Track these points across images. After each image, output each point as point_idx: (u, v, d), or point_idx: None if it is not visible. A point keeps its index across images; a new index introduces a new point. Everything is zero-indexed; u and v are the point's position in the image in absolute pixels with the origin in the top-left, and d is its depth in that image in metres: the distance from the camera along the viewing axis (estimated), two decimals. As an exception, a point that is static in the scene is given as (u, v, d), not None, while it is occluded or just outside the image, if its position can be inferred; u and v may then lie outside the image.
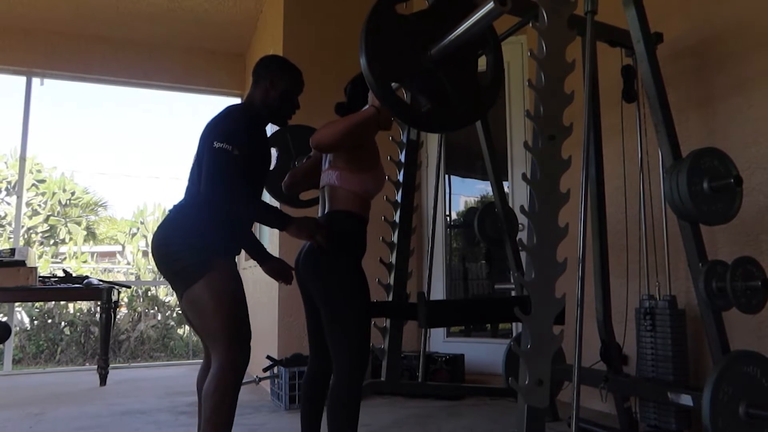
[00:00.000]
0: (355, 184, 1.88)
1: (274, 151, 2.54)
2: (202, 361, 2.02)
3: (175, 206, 1.89)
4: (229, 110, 1.88)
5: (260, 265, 2.13)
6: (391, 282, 2.56)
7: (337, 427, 1.72)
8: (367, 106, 1.82)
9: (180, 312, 7.50)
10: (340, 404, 1.74)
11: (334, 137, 1.76)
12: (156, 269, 1.89)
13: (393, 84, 1.58)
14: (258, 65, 1.98)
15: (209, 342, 1.81)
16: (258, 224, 2.11)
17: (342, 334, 1.77)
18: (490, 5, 1.33)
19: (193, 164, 1.87)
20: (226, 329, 1.73)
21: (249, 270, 4.52)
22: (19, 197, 5.34)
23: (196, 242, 1.76)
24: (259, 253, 2.11)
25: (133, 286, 7.81)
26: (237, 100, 5.85)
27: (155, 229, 1.88)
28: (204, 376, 1.92)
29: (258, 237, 3.18)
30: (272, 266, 2.11)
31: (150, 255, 1.88)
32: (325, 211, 1.91)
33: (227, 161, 1.69)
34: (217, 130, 1.75)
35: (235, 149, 1.70)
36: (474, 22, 1.41)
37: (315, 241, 1.80)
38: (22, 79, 5.09)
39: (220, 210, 1.76)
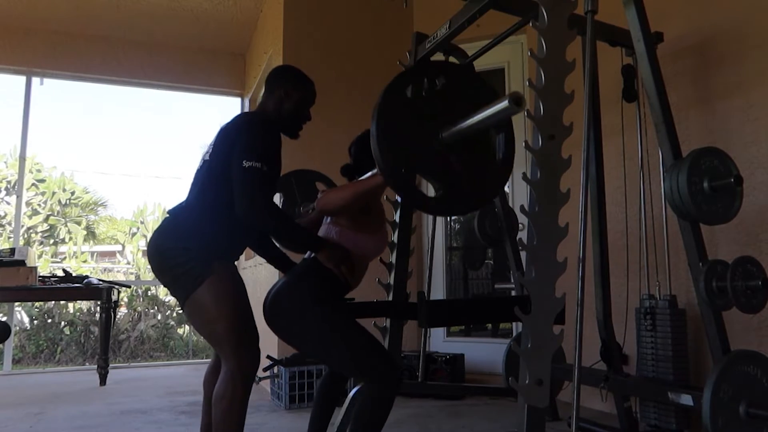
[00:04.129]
0: (354, 244, 1.85)
1: (278, 197, 2.57)
2: (201, 360, 2.02)
3: (173, 209, 1.86)
4: (250, 122, 1.82)
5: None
6: (391, 281, 2.55)
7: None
8: (375, 172, 1.76)
9: (180, 311, 7.51)
10: (373, 417, 1.69)
11: (341, 204, 1.77)
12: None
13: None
14: (273, 75, 1.97)
15: (216, 347, 1.79)
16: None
17: (349, 361, 1.72)
18: (505, 104, 1.31)
19: (200, 168, 1.85)
20: (232, 333, 1.70)
21: (249, 270, 4.52)
22: (19, 197, 5.34)
23: (194, 246, 1.73)
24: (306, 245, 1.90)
25: (133, 286, 7.81)
26: (237, 100, 5.86)
27: (152, 232, 1.85)
28: (212, 374, 1.91)
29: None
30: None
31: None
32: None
33: (261, 180, 1.69)
34: (244, 146, 1.72)
35: (264, 166, 1.70)
36: (487, 116, 1.39)
37: (339, 273, 1.79)
38: (22, 79, 5.09)
39: (260, 227, 1.76)
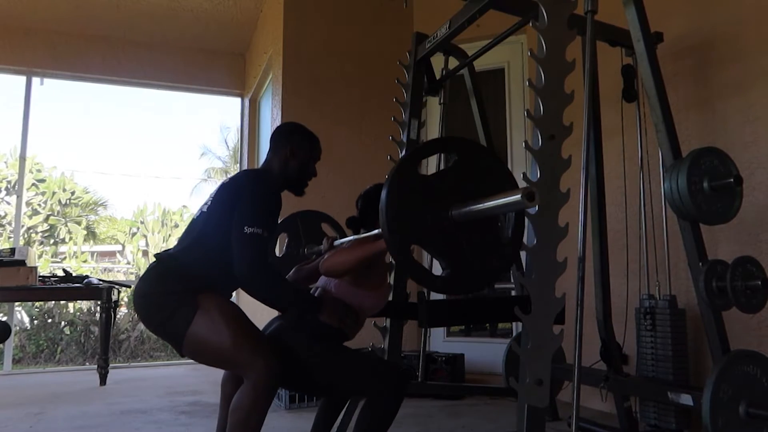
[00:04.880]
0: (352, 299, 1.85)
1: (284, 237, 2.59)
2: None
3: (160, 254, 1.85)
4: (253, 184, 1.81)
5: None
6: (391, 282, 2.55)
7: None
8: (379, 231, 1.75)
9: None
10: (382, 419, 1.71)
11: (345, 267, 1.78)
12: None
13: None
14: (278, 133, 1.98)
15: (233, 368, 1.78)
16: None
17: (356, 380, 1.74)
18: (516, 198, 1.30)
19: (197, 218, 1.85)
20: (240, 345, 1.65)
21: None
22: (19, 197, 5.34)
23: (179, 288, 1.71)
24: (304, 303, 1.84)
25: (133, 286, 7.81)
26: (237, 100, 5.86)
27: (137, 280, 1.82)
28: (229, 376, 1.89)
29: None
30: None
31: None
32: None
33: (261, 245, 1.70)
34: (246, 210, 1.72)
35: (265, 231, 1.71)
36: (498, 206, 1.39)
37: (344, 325, 1.80)
38: (22, 79, 5.10)
39: (258, 293, 1.75)
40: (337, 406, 2.06)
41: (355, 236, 1.96)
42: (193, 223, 1.86)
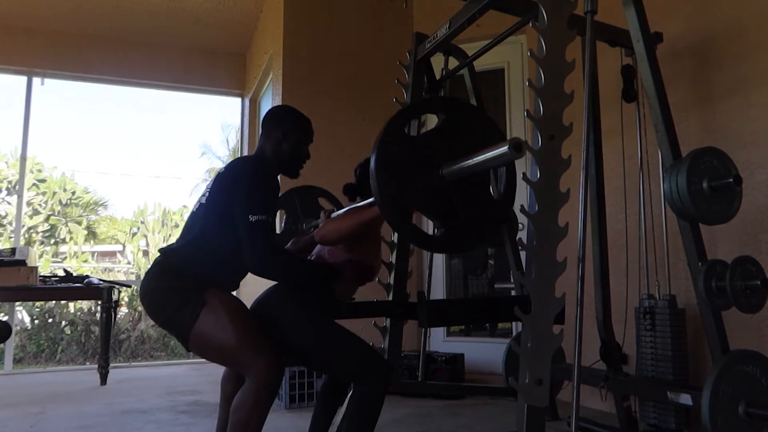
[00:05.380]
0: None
1: (282, 213, 2.62)
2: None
3: (164, 249, 1.86)
4: (250, 172, 1.81)
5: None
6: (391, 281, 2.56)
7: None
8: (373, 199, 1.76)
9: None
10: (366, 412, 1.72)
11: (340, 235, 1.81)
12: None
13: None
14: (268, 117, 1.98)
15: (235, 367, 1.79)
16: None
17: (338, 362, 1.76)
18: (504, 150, 1.31)
19: (196, 211, 1.86)
20: (243, 345, 1.66)
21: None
22: (20, 197, 5.35)
23: (182, 285, 1.73)
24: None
25: (133, 286, 7.81)
26: (237, 100, 5.86)
27: (144, 276, 1.84)
28: (229, 375, 1.91)
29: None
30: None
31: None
32: None
33: (267, 231, 1.72)
34: (247, 199, 1.73)
35: (269, 217, 1.73)
36: (487, 159, 1.39)
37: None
38: (23, 79, 5.10)
39: (272, 277, 1.80)
40: (335, 401, 2.06)
41: (352, 205, 1.98)
42: (194, 216, 1.86)
